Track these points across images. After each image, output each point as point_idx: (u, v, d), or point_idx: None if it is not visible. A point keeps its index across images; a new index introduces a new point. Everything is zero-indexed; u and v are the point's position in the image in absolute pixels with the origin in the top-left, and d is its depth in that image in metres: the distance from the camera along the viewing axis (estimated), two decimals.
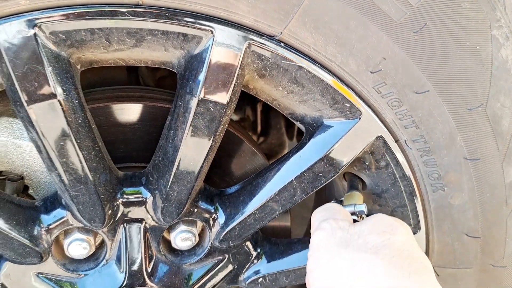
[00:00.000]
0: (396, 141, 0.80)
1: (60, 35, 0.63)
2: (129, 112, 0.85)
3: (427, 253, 0.94)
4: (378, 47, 0.71)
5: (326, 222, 0.72)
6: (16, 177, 0.84)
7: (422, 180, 0.85)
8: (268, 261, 0.92)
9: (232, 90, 0.69)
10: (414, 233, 0.91)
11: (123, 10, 0.64)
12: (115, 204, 0.79)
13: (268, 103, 0.79)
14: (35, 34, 0.61)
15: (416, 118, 0.78)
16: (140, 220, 0.81)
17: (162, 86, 0.98)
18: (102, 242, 0.84)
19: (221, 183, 0.94)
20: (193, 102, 0.69)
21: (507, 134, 0.82)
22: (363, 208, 0.80)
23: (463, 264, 0.95)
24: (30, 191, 0.86)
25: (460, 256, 0.94)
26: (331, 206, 0.79)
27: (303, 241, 0.94)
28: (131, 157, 0.89)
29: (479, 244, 0.92)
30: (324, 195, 1.20)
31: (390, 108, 0.77)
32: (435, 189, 0.86)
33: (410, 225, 0.90)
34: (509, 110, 0.80)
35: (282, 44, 0.69)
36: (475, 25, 0.72)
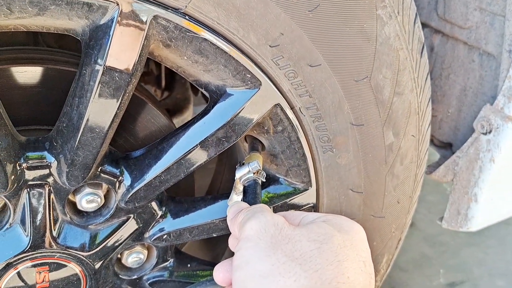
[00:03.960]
0: (292, 108, 0.87)
1: None
2: (30, 75, 0.83)
3: (317, 206, 1.05)
4: (277, 23, 0.76)
5: (262, 213, 0.67)
6: None
7: (314, 143, 0.93)
8: (173, 219, 0.96)
9: (138, 60, 0.71)
10: (306, 190, 0.99)
11: None
12: (19, 169, 0.79)
13: (173, 69, 0.82)
14: None
15: (310, 88, 0.85)
16: (44, 185, 0.81)
17: (64, 46, 0.97)
18: (5, 206, 0.83)
19: (126, 145, 0.96)
20: (99, 71, 0.70)
21: (388, 102, 0.93)
22: (256, 164, 0.86)
23: (348, 215, 1.07)
24: None
25: (345, 208, 1.05)
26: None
27: (205, 199, 1.00)
28: (34, 119, 0.87)
29: (362, 198, 1.04)
30: (228, 156, 1.26)
31: (286, 79, 0.83)
32: (325, 150, 0.95)
33: (302, 182, 0.99)
34: (390, 81, 0.90)
35: (187, 17, 0.72)
36: (363, 5, 0.80)
